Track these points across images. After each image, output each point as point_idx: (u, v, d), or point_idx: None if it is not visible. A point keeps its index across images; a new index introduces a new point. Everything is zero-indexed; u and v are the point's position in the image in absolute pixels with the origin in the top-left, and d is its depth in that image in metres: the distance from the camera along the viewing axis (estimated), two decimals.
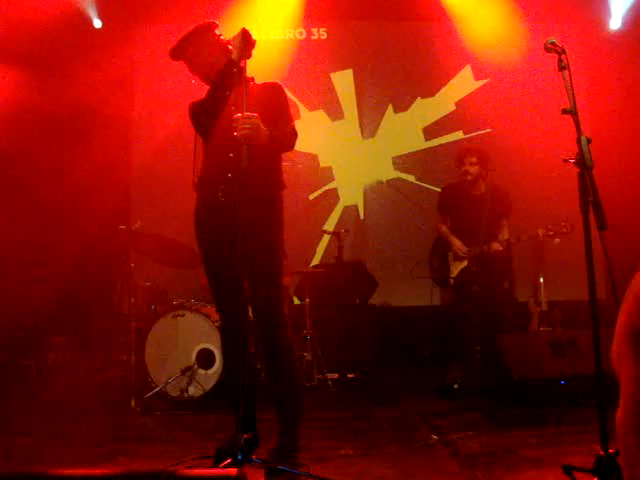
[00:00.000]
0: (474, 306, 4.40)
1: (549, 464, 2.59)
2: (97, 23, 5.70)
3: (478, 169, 4.45)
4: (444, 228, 4.65)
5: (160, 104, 5.61)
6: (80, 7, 5.49)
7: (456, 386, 4.17)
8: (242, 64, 2.73)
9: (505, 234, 4.47)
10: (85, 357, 4.72)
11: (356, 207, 5.96)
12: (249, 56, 2.80)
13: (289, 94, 5.97)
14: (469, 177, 4.45)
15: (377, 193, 5.96)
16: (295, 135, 2.78)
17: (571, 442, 2.86)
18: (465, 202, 4.53)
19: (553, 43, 2.20)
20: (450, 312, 4.70)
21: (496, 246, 4.36)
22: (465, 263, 4.49)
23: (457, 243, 4.52)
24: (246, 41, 2.74)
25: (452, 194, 4.63)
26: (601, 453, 2.05)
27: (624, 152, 4.66)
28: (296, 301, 5.17)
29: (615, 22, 5.55)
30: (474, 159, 4.44)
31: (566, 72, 2.15)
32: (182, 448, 3.06)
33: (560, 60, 2.18)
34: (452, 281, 4.52)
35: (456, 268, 4.53)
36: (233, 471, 1.31)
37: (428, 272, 4.77)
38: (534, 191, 5.15)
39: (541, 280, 4.81)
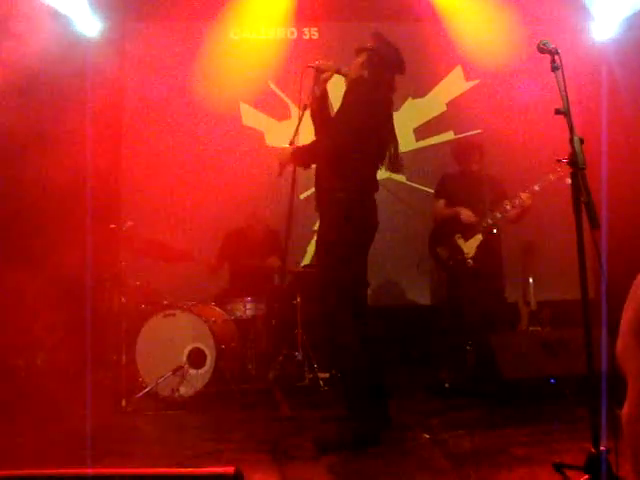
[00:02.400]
0: (466, 305, 4.42)
1: (540, 462, 2.61)
2: (90, 31, 5.56)
3: (480, 165, 4.60)
4: (441, 204, 4.59)
5: (150, 106, 5.59)
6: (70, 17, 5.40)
7: (447, 385, 4.18)
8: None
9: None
10: (75, 357, 4.68)
11: None
12: (326, 79, 3.17)
13: (279, 93, 5.99)
14: (472, 173, 4.59)
15: None
16: (313, 148, 3.17)
17: (562, 440, 2.88)
18: (464, 180, 4.58)
19: (546, 44, 2.22)
20: (442, 311, 4.73)
21: (525, 196, 4.23)
22: (479, 238, 4.38)
23: (465, 211, 4.41)
24: (317, 79, 3.15)
25: (451, 178, 4.69)
26: (592, 450, 2.07)
27: (614, 153, 4.69)
28: None
29: (602, 29, 5.54)
30: (478, 157, 4.58)
31: (559, 73, 2.17)
32: (173, 448, 3.05)
33: (553, 61, 2.20)
34: (471, 261, 4.35)
35: (471, 247, 4.39)
36: (231, 469, 1.31)
37: (433, 267, 4.74)
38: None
39: (530, 280, 4.83)
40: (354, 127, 3.03)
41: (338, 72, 3.21)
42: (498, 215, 4.38)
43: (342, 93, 3.22)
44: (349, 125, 3.03)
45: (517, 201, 4.29)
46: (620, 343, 1.05)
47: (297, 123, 3.16)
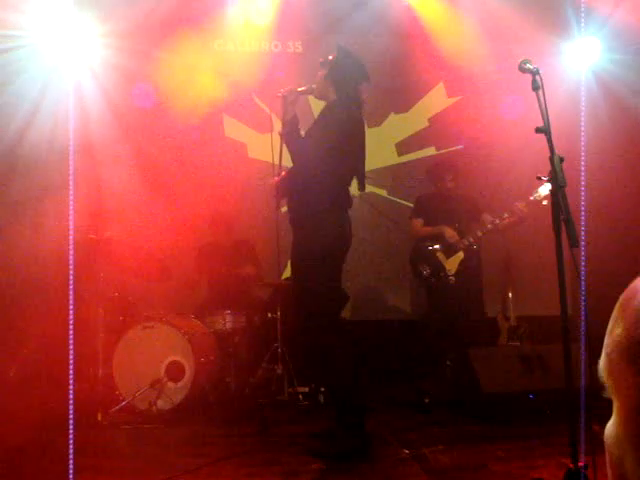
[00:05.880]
0: (446, 320, 4.44)
1: (519, 477, 2.62)
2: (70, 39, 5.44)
3: (455, 183, 4.68)
4: (419, 222, 4.68)
5: (132, 116, 5.55)
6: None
7: (427, 400, 4.18)
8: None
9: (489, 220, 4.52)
10: (49, 369, 4.60)
11: None
12: (293, 102, 3.24)
13: (263, 106, 5.99)
14: (449, 189, 4.67)
15: None
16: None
17: (540, 456, 2.89)
18: (440, 200, 4.67)
19: (527, 64, 2.26)
20: (421, 326, 4.74)
21: (522, 205, 4.23)
22: (461, 256, 4.46)
23: (449, 230, 4.49)
24: (285, 104, 3.21)
25: (427, 199, 4.79)
26: (570, 466, 2.08)
27: (595, 172, 4.76)
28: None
29: (583, 50, 5.60)
30: (452, 176, 4.67)
31: (540, 92, 2.20)
32: (150, 463, 3.00)
33: (534, 80, 2.23)
34: (453, 278, 4.41)
35: (453, 264, 4.46)
36: None
37: (413, 282, 4.77)
38: (505, 208, 5.22)
39: (510, 296, 4.87)
40: (326, 147, 3.11)
41: (303, 93, 3.31)
42: (479, 233, 4.46)
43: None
44: (320, 145, 3.12)
45: (515, 209, 4.31)
46: (606, 361, 1.05)
47: (279, 154, 3.25)
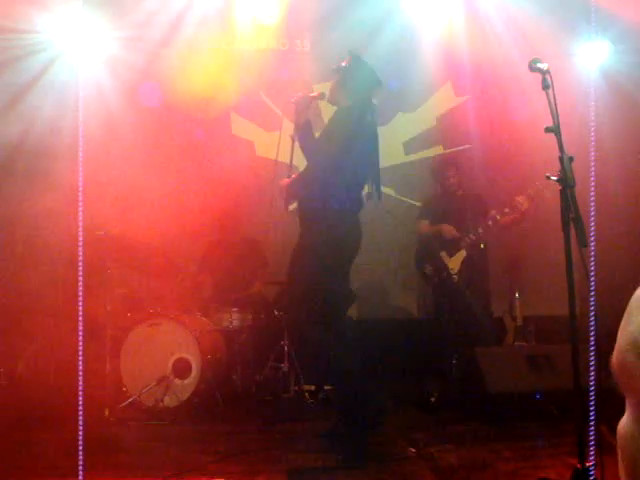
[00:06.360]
0: (451, 319, 4.44)
1: (526, 477, 2.62)
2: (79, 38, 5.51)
3: (459, 178, 4.68)
4: (425, 223, 4.70)
5: (139, 114, 5.56)
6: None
7: (433, 399, 4.18)
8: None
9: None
10: (56, 365, 4.62)
11: None
12: (306, 107, 3.25)
13: (270, 104, 5.99)
14: (453, 187, 4.67)
15: None
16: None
17: (547, 455, 2.89)
18: (445, 200, 4.67)
19: (537, 62, 2.25)
20: (428, 325, 4.74)
21: (521, 199, 4.24)
22: (463, 254, 4.47)
23: (447, 227, 4.51)
24: (299, 109, 3.21)
25: (433, 200, 4.81)
26: (578, 466, 2.07)
27: (604, 171, 4.74)
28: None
29: (593, 50, 5.58)
30: (454, 171, 4.67)
31: (550, 91, 2.20)
32: (157, 460, 3.02)
33: (544, 79, 2.23)
34: (456, 277, 4.43)
35: (456, 263, 4.48)
36: None
37: (419, 281, 4.79)
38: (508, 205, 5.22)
39: (517, 295, 4.86)
40: (335, 151, 3.11)
41: (315, 98, 3.32)
42: (480, 230, 4.46)
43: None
44: (330, 150, 3.12)
45: (515, 204, 4.31)
46: (619, 358, 1.05)
47: (290, 156, 3.28)
